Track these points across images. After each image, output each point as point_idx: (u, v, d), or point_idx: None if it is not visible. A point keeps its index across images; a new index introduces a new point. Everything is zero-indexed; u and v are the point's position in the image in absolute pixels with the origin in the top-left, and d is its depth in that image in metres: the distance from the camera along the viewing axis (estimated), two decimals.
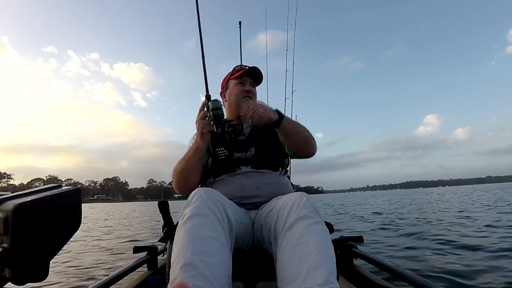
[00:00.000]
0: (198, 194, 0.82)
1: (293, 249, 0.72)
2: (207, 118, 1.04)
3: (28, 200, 0.38)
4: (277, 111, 1.10)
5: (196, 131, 1.22)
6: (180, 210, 0.84)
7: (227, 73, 1.35)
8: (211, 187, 1.12)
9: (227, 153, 1.19)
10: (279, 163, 1.23)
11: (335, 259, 0.72)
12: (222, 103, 1.03)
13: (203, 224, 0.74)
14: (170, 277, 0.67)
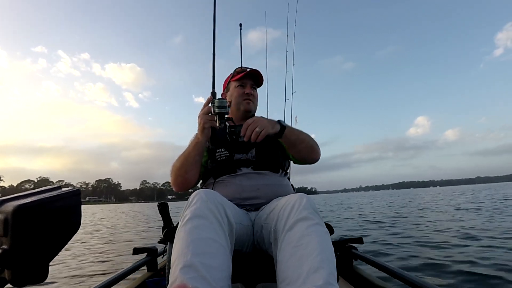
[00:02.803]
0: (198, 195, 0.82)
1: (293, 250, 0.72)
2: (210, 114, 1.03)
3: (28, 201, 0.38)
4: (279, 122, 1.09)
5: (196, 131, 1.28)
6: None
7: (229, 74, 1.35)
8: (212, 188, 1.12)
9: (228, 154, 1.18)
10: (279, 165, 1.23)
11: (335, 260, 0.72)
12: (227, 102, 1.03)
13: (203, 226, 0.74)
14: (169, 278, 0.67)
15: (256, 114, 1.39)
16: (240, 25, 1.84)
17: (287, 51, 2.68)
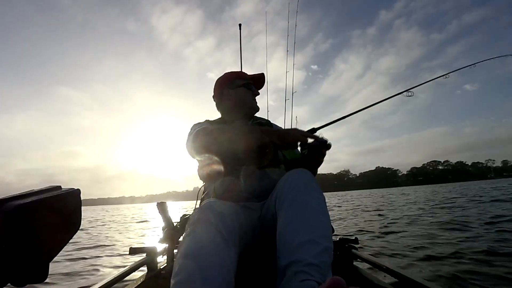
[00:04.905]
0: (203, 207, 0.84)
1: (291, 224, 0.77)
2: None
3: (28, 201, 0.38)
4: None
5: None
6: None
7: (228, 71, 1.38)
8: (219, 185, 1.12)
9: (234, 151, 1.18)
10: (280, 162, 1.24)
11: (331, 235, 0.78)
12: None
13: (207, 234, 0.75)
14: (173, 269, 0.68)
15: (256, 115, 1.40)
16: (240, 25, 1.84)
17: (287, 50, 2.68)
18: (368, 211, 8.78)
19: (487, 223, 4.38)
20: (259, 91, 1.38)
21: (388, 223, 5.32)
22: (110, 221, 12.32)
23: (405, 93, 0.94)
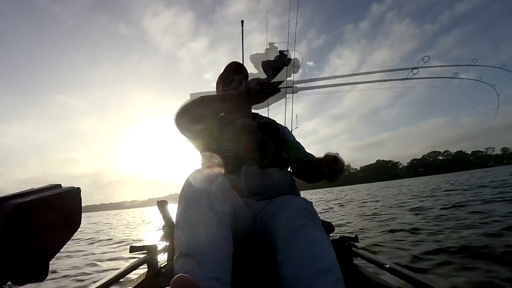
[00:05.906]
0: (188, 182, 0.83)
1: (296, 255, 0.73)
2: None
3: (27, 200, 0.38)
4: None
5: None
6: None
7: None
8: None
9: (235, 150, 1.16)
10: (283, 162, 1.23)
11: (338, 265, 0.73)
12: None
13: (200, 214, 0.76)
14: (174, 268, 0.69)
15: (258, 113, 1.40)
16: (242, 22, 1.83)
17: (288, 50, 2.66)
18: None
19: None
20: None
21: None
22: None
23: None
